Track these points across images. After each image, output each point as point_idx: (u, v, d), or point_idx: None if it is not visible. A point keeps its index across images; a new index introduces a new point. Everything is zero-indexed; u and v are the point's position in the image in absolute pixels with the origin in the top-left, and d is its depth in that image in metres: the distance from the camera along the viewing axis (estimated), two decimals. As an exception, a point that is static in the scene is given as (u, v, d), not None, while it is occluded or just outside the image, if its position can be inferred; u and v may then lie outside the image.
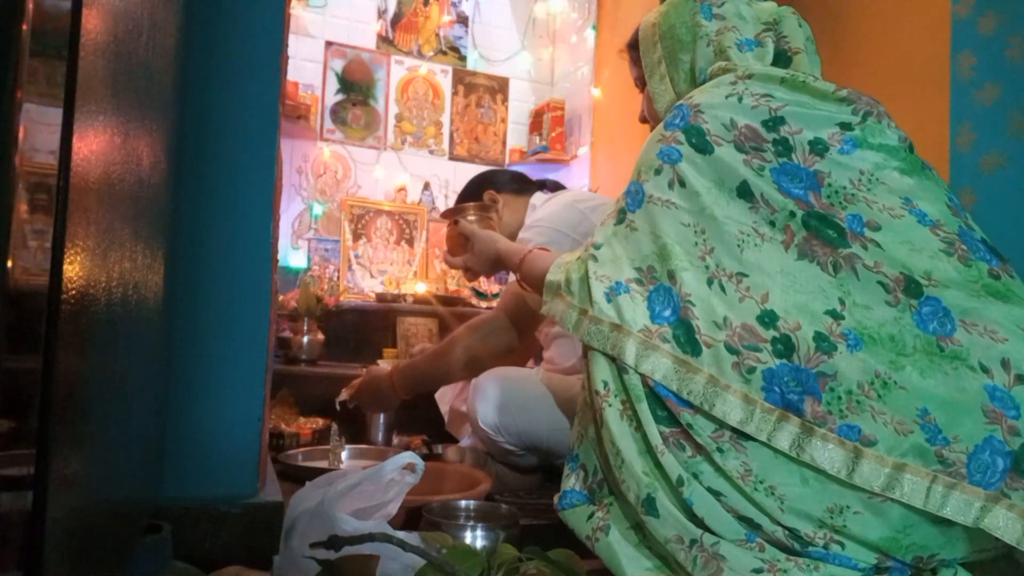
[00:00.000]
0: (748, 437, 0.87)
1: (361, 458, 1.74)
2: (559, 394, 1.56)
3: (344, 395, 1.78)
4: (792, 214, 0.96)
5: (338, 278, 2.85)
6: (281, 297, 2.35)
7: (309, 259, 2.91)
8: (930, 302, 0.87)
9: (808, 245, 0.94)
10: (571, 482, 1.04)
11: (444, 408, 1.97)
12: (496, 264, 1.45)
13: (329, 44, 3.07)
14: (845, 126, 1.00)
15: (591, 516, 0.99)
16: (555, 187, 1.97)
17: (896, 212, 0.94)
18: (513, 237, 1.75)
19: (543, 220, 1.71)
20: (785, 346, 0.88)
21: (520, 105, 3.43)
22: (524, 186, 1.93)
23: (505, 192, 1.89)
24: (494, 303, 2.79)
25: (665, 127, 1.06)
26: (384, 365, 1.94)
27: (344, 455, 1.73)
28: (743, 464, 0.87)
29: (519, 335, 1.63)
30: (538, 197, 1.88)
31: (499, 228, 1.80)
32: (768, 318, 0.90)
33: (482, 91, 3.36)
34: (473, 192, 1.92)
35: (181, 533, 1.04)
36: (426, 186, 3.19)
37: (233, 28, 1.16)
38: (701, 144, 1.02)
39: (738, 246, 0.96)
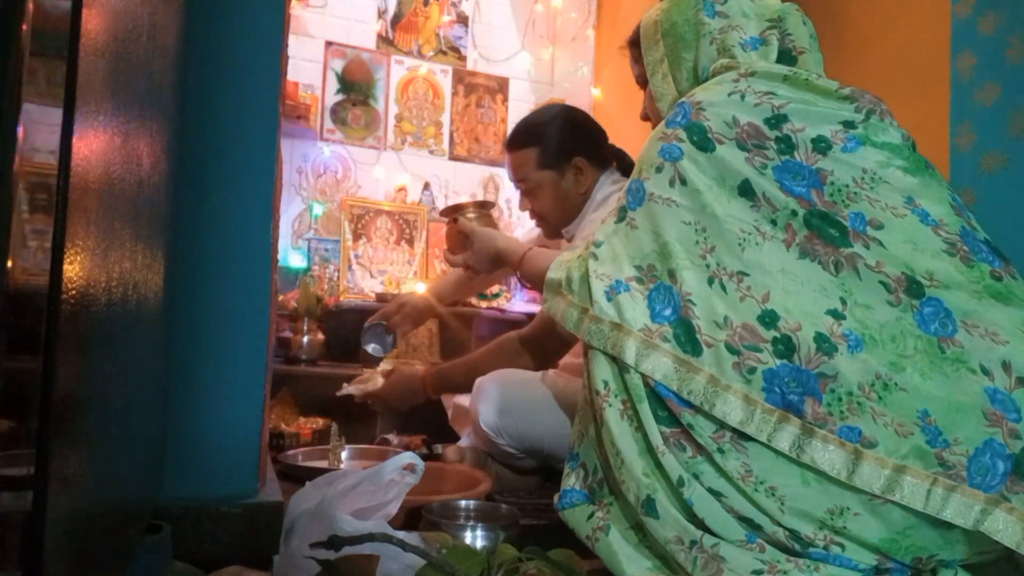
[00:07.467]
0: (749, 438, 0.87)
1: (361, 458, 1.74)
2: (561, 398, 1.55)
3: (352, 390, 1.77)
4: (794, 213, 0.95)
5: (338, 278, 2.85)
6: (281, 297, 2.34)
7: (309, 259, 2.91)
8: (932, 302, 0.87)
9: (810, 244, 0.94)
10: (571, 481, 1.04)
11: (448, 403, 1.97)
12: (496, 262, 1.45)
13: (329, 44, 3.06)
14: (848, 124, 1.00)
15: (591, 516, 0.99)
16: (623, 168, 1.76)
17: (899, 211, 0.94)
18: (573, 211, 1.69)
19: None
20: (786, 346, 0.88)
21: (520, 105, 3.42)
22: (606, 159, 1.73)
23: (593, 164, 1.70)
24: (494, 303, 2.79)
25: (667, 125, 1.06)
26: (385, 361, 1.92)
27: (344, 455, 1.73)
28: (744, 465, 0.87)
29: (546, 359, 1.66)
30: (602, 189, 1.69)
31: (560, 196, 1.68)
32: (769, 318, 0.90)
33: (482, 91, 3.36)
34: (564, 146, 1.68)
35: (181, 533, 1.04)
36: (426, 186, 3.18)
37: (233, 28, 1.16)
38: (703, 142, 1.01)
39: (739, 245, 0.95)
